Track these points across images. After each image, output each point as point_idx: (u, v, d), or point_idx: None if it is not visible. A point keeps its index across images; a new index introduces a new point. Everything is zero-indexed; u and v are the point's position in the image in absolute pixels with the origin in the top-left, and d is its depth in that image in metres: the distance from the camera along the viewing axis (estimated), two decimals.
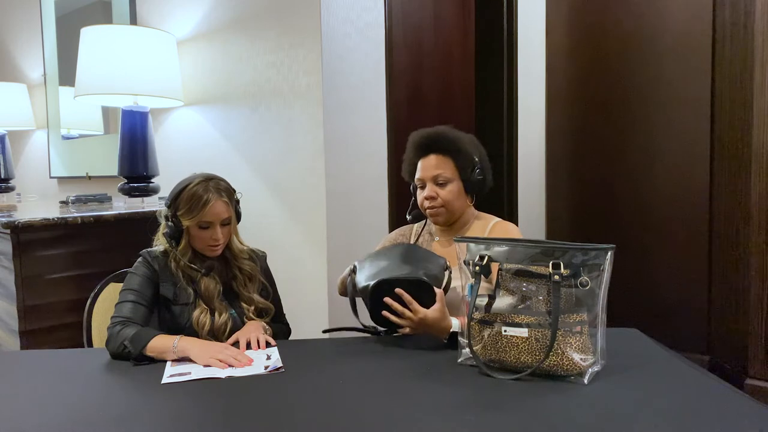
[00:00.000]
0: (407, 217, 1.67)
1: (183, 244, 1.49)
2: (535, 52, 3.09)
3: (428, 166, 1.55)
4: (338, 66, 2.16)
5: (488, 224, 1.60)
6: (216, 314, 1.46)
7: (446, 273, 1.39)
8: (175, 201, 1.47)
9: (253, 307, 1.53)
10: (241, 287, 1.54)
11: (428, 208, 1.57)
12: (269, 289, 1.60)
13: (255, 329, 1.44)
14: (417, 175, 1.58)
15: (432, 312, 1.32)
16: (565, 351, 1.11)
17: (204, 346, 1.31)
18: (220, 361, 1.25)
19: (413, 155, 1.60)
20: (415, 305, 1.32)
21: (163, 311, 1.49)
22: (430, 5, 2.72)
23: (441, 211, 1.56)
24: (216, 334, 1.45)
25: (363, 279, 1.40)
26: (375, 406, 1.04)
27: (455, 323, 1.35)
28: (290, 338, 1.62)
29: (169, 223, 1.48)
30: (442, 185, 1.55)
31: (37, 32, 3.70)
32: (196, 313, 1.45)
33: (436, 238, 1.64)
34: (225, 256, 1.54)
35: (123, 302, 1.43)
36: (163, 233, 1.49)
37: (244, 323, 1.50)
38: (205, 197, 1.45)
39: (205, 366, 1.24)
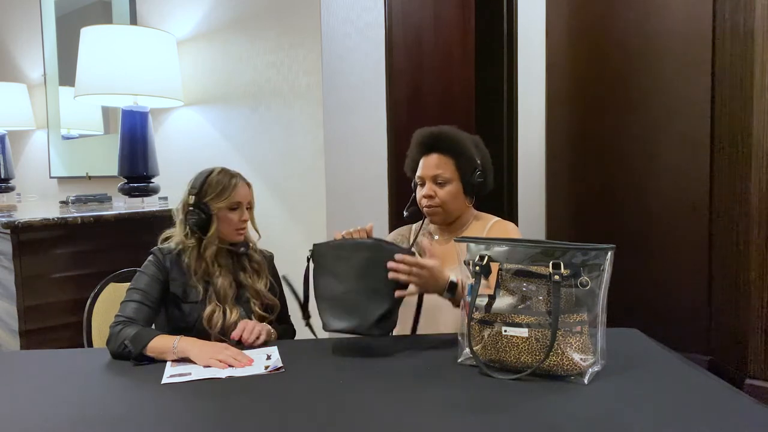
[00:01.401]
0: (404, 213, 1.67)
1: (212, 231, 1.50)
2: (535, 52, 3.09)
3: (429, 165, 1.56)
4: (338, 66, 2.16)
5: (487, 224, 1.61)
6: (227, 312, 1.47)
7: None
8: (201, 188, 1.51)
9: (259, 302, 1.54)
10: (249, 279, 1.55)
11: (426, 206, 1.58)
12: (276, 288, 1.61)
13: (258, 324, 1.44)
14: (418, 173, 1.59)
15: (432, 262, 1.32)
16: (565, 351, 1.11)
17: (204, 346, 1.31)
18: (220, 361, 1.25)
19: (416, 152, 1.61)
20: (420, 261, 1.31)
21: (173, 309, 1.49)
22: (430, 5, 2.72)
23: (438, 211, 1.57)
24: (226, 333, 1.45)
25: (330, 319, 1.33)
26: (375, 406, 1.04)
27: (452, 275, 1.35)
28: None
29: (196, 211, 1.50)
30: (441, 185, 1.55)
31: (37, 32, 3.70)
32: (208, 311, 1.46)
33: (435, 237, 1.65)
34: (245, 244, 1.57)
35: (128, 301, 1.43)
36: (189, 223, 1.50)
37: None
38: (233, 180, 1.53)
39: (205, 366, 1.24)
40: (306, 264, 1.41)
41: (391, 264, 1.29)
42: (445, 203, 1.56)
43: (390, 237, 1.73)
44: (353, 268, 1.33)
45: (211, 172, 1.55)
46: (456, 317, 1.38)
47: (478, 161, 1.57)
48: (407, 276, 1.30)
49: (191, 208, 1.50)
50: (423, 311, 1.52)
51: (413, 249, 1.63)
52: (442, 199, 1.55)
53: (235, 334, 1.37)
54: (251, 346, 1.37)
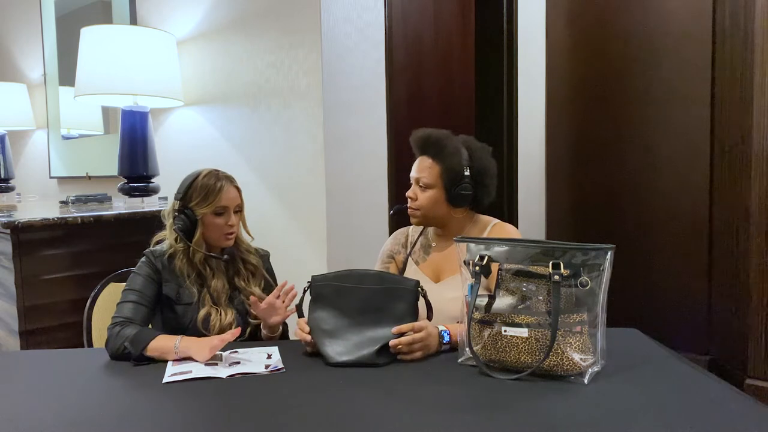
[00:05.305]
0: (390, 211, 1.66)
1: (197, 236, 1.49)
2: (535, 52, 3.09)
3: (417, 167, 1.56)
4: (338, 66, 2.16)
5: (486, 227, 1.59)
6: (222, 314, 1.47)
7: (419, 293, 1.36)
8: (187, 192, 1.49)
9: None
10: (244, 282, 1.55)
11: (408, 206, 1.58)
12: (273, 286, 1.61)
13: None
14: (411, 172, 1.59)
15: (424, 325, 1.29)
16: (565, 351, 1.11)
17: (202, 342, 1.32)
18: (220, 341, 1.27)
19: (414, 151, 1.61)
20: (416, 336, 1.28)
21: (167, 311, 1.49)
22: (430, 5, 2.72)
23: (416, 213, 1.56)
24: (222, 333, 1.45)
25: (336, 354, 1.29)
26: (375, 406, 1.04)
27: (441, 327, 1.34)
28: (291, 338, 1.62)
29: (182, 216, 1.48)
30: (422, 189, 1.54)
31: (37, 32, 3.70)
32: (202, 313, 1.46)
33: (433, 245, 1.63)
34: (230, 250, 1.56)
35: (124, 302, 1.43)
36: (175, 228, 1.49)
37: (247, 322, 1.51)
38: (219, 184, 1.49)
39: (209, 361, 1.25)
40: (302, 294, 1.39)
41: (392, 344, 1.27)
42: (422, 207, 1.54)
43: (387, 246, 1.71)
44: (357, 301, 1.33)
45: (197, 175, 1.51)
46: (455, 317, 1.38)
47: (466, 173, 1.52)
48: (411, 354, 1.28)
49: (177, 213, 1.49)
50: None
51: (411, 258, 1.62)
52: (420, 203, 1.54)
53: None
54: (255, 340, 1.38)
